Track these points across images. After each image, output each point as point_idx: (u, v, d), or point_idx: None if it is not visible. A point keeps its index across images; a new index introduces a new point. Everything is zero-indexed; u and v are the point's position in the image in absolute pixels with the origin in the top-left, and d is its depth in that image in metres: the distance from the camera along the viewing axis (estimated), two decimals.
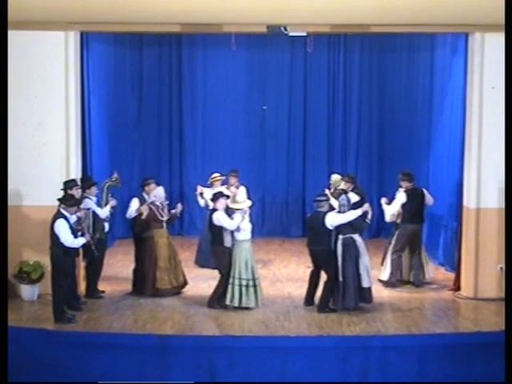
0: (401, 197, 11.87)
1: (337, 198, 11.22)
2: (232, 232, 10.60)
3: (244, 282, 10.49)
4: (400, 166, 14.74)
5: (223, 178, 13.01)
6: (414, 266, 11.90)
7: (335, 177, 12.92)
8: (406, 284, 11.88)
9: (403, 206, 11.82)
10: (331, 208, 11.03)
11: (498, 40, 10.42)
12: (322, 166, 15.54)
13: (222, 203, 10.76)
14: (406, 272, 11.95)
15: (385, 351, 8.67)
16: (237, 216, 10.61)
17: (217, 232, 10.63)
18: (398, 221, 11.92)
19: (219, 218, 10.57)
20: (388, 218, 11.95)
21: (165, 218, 11.28)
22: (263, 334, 9.49)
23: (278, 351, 8.69)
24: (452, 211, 12.62)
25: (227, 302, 10.50)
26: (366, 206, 10.80)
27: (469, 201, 11.27)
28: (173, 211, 11.48)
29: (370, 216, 10.95)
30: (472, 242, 11.20)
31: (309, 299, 10.81)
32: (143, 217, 11.08)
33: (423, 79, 14.52)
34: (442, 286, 11.87)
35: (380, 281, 11.81)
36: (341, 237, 10.49)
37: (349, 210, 10.62)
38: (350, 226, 10.50)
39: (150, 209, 11.14)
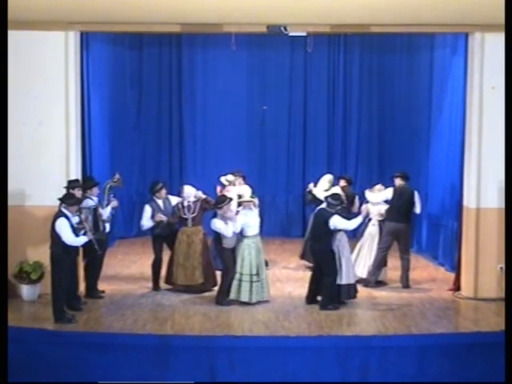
0: (387, 192, 11.87)
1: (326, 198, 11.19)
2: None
3: (247, 278, 10.68)
4: (400, 166, 14.73)
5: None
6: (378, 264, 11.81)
7: (329, 177, 12.87)
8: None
9: (389, 202, 11.79)
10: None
11: (497, 40, 10.41)
12: (321, 166, 15.48)
13: (224, 210, 10.79)
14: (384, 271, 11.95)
15: (385, 351, 8.68)
16: (230, 224, 10.70)
17: (217, 233, 10.92)
18: (371, 217, 11.88)
19: (215, 224, 10.79)
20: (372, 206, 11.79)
21: (189, 216, 11.37)
22: (263, 333, 9.49)
23: (278, 351, 8.72)
24: (452, 211, 12.62)
25: (231, 296, 10.70)
26: (365, 211, 11.21)
27: (469, 201, 11.26)
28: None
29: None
30: (472, 242, 11.20)
31: (309, 297, 10.84)
32: (162, 224, 11.32)
33: (423, 79, 14.51)
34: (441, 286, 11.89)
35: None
36: None
37: (338, 209, 10.64)
38: None
39: (178, 209, 11.36)
